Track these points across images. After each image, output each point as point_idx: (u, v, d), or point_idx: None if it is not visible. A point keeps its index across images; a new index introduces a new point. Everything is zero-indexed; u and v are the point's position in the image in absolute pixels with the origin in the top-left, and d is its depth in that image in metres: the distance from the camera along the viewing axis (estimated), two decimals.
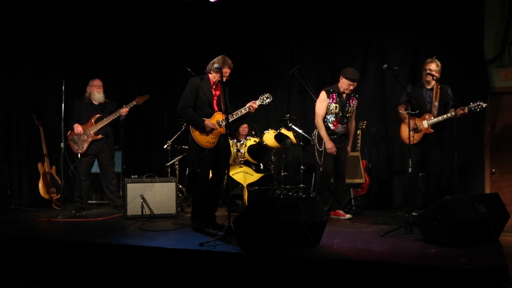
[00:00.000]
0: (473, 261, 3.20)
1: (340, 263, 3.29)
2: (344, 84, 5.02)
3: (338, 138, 5.15)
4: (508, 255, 3.43)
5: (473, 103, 4.86)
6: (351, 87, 5.02)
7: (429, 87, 5.20)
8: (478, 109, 4.87)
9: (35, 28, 6.34)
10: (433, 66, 5.07)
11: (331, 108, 5.06)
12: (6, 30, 6.03)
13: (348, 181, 5.49)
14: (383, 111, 6.50)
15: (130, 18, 7.15)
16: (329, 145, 5.04)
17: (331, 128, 5.10)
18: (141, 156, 7.55)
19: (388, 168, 6.47)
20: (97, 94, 5.76)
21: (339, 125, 5.11)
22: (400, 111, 5.29)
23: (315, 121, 5.16)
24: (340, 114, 5.07)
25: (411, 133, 5.19)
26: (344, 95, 5.09)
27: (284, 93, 7.00)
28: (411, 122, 5.10)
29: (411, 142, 5.12)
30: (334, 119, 5.08)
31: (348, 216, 5.12)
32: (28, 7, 6.23)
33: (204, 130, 4.40)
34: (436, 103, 5.14)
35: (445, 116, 5.03)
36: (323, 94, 5.11)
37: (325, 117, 5.11)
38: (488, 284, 3.01)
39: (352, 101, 5.14)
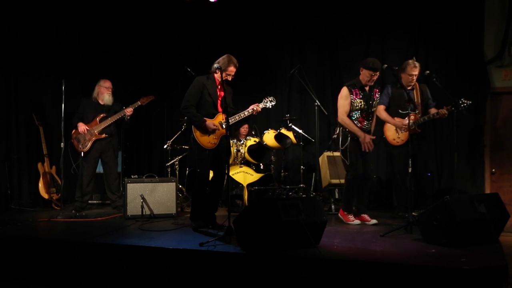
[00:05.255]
0: (473, 261, 3.20)
1: (340, 263, 3.29)
2: (366, 75, 4.67)
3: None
4: (508, 255, 3.43)
5: (460, 102, 4.88)
6: (374, 78, 4.67)
7: (409, 88, 5.21)
8: (463, 107, 4.87)
9: (36, 28, 6.34)
10: (417, 71, 5.13)
11: (355, 105, 4.70)
12: (6, 30, 6.04)
13: None
14: None
15: (130, 18, 7.15)
16: (366, 138, 4.66)
17: (358, 125, 4.73)
18: (141, 156, 7.55)
19: (388, 168, 6.46)
20: (107, 96, 5.76)
21: (365, 122, 4.76)
22: (381, 112, 5.23)
23: (340, 119, 4.75)
24: (366, 109, 4.74)
25: (397, 134, 5.22)
26: (367, 88, 4.76)
27: (284, 93, 7.00)
28: (400, 121, 5.12)
29: (397, 143, 5.21)
30: (359, 115, 4.74)
31: (373, 221, 4.78)
32: (28, 7, 6.23)
33: (206, 131, 4.40)
34: (419, 103, 5.17)
35: (431, 116, 5.08)
36: (345, 90, 4.74)
37: (349, 114, 4.74)
38: (488, 284, 3.01)
39: (376, 94, 4.83)
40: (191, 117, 4.44)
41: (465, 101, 4.87)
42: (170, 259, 3.62)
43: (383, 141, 5.43)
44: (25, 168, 6.24)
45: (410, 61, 5.17)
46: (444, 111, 4.99)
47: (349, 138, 4.74)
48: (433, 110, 5.16)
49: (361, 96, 4.73)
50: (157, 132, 7.38)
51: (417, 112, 5.14)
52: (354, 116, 4.75)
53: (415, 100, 5.16)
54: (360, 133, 4.68)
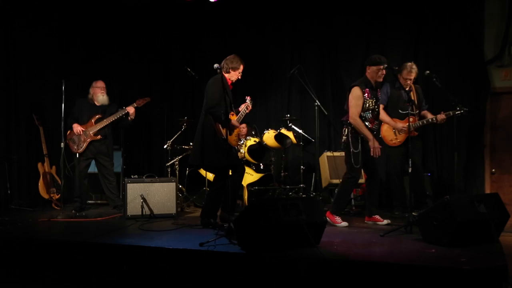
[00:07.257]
0: (473, 261, 3.21)
1: (340, 263, 3.29)
2: (373, 72, 4.56)
3: (375, 136, 4.66)
4: (508, 255, 3.43)
5: (458, 108, 4.95)
6: (384, 72, 4.55)
7: (407, 88, 5.20)
8: (460, 114, 4.96)
9: (36, 28, 6.34)
10: (412, 76, 5.15)
11: (368, 105, 4.56)
12: (7, 30, 6.04)
13: None
14: None
15: (130, 18, 7.15)
16: (376, 143, 4.52)
17: (368, 126, 4.58)
18: (141, 156, 7.55)
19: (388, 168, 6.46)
20: (101, 96, 5.76)
21: (375, 122, 4.65)
22: (380, 112, 5.27)
23: (352, 121, 4.55)
24: (377, 109, 4.64)
25: (395, 135, 5.24)
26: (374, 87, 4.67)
27: (284, 93, 7.00)
28: (400, 124, 5.13)
29: (394, 144, 5.25)
30: (371, 115, 4.60)
31: (386, 221, 4.67)
32: (29, 7, 6.23)
33: (230, 129, 4.41)
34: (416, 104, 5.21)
35: (429, 120, 5.13)
36: (358, 91, 4.55)
37: (361, 115, 4.58)
38: (488, 284, 3.01)
39: (379, 93, 4.75)
40: (220, 116, 4.32)
41: (462, 109, 4.93)
42: (170, 259, 3.62)
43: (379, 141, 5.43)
44: (25, 168, 6.24)
45: (408, 64, 5.16)
46: (442, 116, 5.03)
47: (360, 139, 4.60)
48: (427, 113, 5.21)
49: (371, 96, 4.60)
50: (157, 132, 7.38)
51: (416, 112, 5.15)
52: (366, 117, 4.61)
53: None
54: (370, 136, 4.54)
